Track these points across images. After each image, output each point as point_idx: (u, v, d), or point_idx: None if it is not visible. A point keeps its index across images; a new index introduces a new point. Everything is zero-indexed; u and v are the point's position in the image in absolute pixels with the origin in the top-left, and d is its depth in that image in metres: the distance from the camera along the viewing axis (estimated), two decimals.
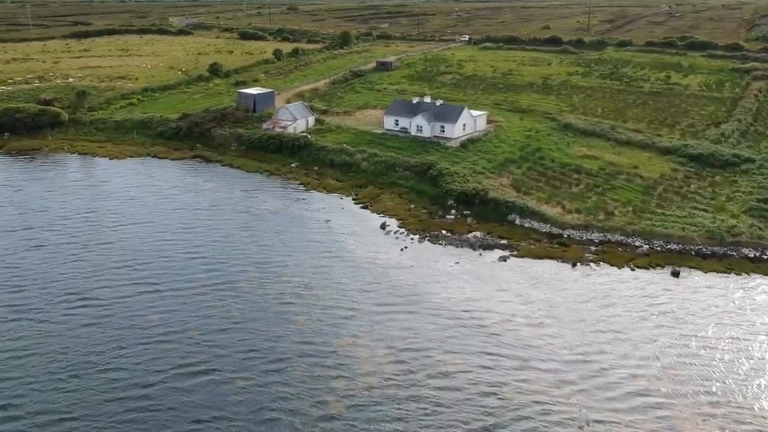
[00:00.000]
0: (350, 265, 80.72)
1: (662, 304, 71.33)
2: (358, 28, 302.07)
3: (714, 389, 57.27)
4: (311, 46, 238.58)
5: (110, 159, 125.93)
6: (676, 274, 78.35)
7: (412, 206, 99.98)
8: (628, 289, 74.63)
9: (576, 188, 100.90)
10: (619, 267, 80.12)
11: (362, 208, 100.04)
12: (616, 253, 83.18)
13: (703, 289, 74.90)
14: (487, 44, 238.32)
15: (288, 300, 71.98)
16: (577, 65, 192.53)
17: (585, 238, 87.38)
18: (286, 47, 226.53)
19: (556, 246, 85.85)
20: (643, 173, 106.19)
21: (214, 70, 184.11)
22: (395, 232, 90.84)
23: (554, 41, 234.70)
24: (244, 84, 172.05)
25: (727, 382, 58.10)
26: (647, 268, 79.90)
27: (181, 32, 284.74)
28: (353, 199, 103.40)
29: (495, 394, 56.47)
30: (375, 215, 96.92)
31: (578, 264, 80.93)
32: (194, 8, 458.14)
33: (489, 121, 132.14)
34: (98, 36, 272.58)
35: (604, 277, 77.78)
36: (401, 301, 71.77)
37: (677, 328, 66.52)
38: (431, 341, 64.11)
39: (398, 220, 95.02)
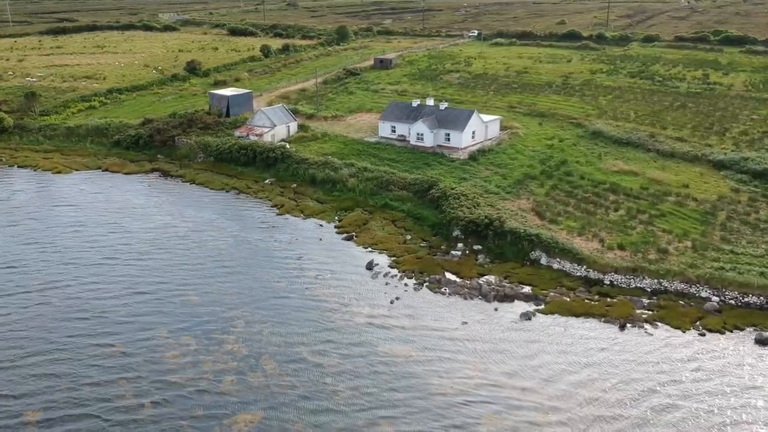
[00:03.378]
0: (318, 327, 60.14)
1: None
2: (359, 24, 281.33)
3: None
4: (304, 42, 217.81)
5: (54, 173, 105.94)
6: (762, 342, 57.56)
7: (408, 237, 79.42)
8: (708, 374, 53.34)
9: (615, 214, 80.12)
10: (684, 330, 59.45)
11: (346, 239, 79.58)
12: (678, 309, 62.36)
13: None
14: (499, 40, 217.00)
15: (226, 387, 51.47)
16: (600, 62, 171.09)
17: (633, 285, 66.52)
18: (277, 43, 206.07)
19: (596, 297, 65.04)
20: (697, 194, 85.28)
21: (192, 69, 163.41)
22: (385, 275, 70.34)
23: (573, 36, 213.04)
24: (224, 84, 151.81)
25: None
26: (721, 332, 59.22)
27: (168, 28, 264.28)
28: (335, 227, 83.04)
29: None
30: (360, 250, 76.47)
31: (628, 325, 60.24)
32: (190, 5, 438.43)
33: (503, 128, 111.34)
34: (77, 32, 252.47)
35: (666, 348, 56.85)
36: (384, 398, 50.92)
37: None
38: None
39: (390, 256, 74.55)
